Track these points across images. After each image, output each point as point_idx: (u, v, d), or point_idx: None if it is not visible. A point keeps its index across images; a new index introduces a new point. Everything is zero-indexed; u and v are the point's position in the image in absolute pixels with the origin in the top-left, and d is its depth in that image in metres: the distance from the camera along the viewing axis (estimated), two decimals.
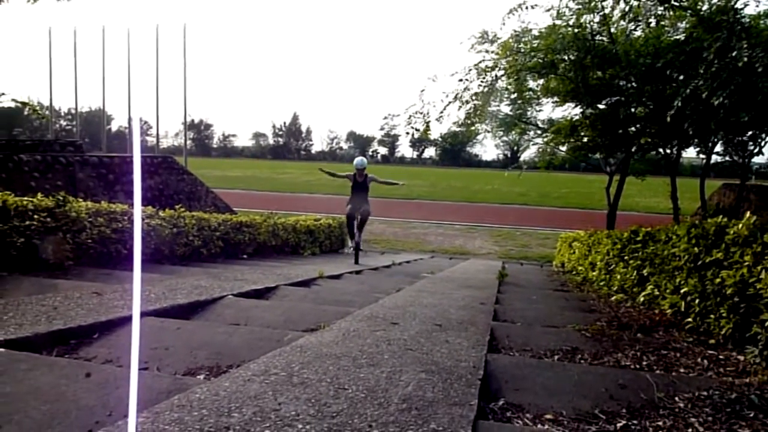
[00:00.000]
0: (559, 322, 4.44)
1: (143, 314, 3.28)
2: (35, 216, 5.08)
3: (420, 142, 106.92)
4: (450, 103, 8.57)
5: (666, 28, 9.00)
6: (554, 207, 34.22)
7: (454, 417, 1.84)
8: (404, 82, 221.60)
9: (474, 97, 8.98)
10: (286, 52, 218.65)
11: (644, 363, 3.13)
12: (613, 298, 5.98)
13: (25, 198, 5.24)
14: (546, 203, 35.99)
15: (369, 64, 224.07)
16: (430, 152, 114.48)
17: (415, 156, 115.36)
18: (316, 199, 31.84)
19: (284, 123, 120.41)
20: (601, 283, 7.30)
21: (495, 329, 3.73)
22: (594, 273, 8.10)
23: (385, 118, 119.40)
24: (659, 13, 8.45)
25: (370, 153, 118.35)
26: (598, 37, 8.07)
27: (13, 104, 9.04)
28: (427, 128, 8.71)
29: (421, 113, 8.31)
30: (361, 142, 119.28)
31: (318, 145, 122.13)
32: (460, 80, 8.43)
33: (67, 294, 3.74)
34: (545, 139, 11.95)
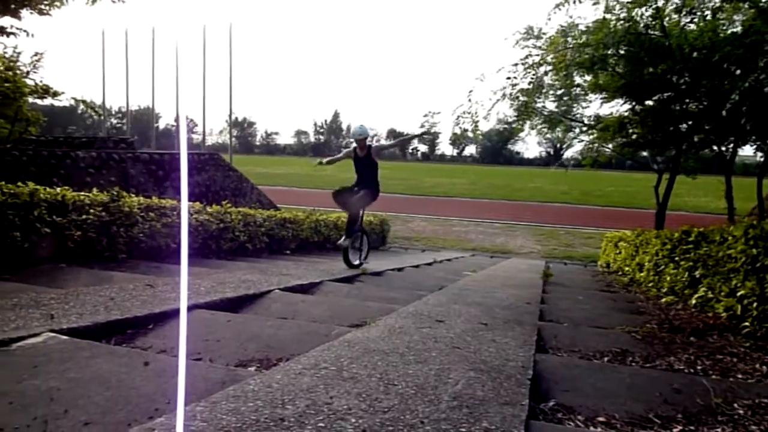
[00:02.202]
0: (607, 323, 4.35)
1: (194, 307, 3.37)
2: (91, 210, 5.27)
3: (461, 140, 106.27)
4: (498, 101, 8.46)
5: (721, 21, 8.67)
6: (598, 206, 33.47)
7: (505, 416, 1.83)
8: (444, 78, 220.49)
9: (520, 94, 8.85)
10: (328, 51, 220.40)
11: (699, 367, 3.04)
12: (662, 300, 5.82)
13: (82, 193, 5.44)
14: (590, 202, 35.23)
15: (408, 61, 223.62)
16: (470, 150, 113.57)
17: (455, 154, 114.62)
18: None
19: (325, 121, 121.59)
20: (650, 285, 7.11)
21: (542, 329, 3.68)
22: (642, 274, 7.89)
23: (425, 115, 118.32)
24: (715, 5, 8.16)
25: (410, 150, 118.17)
26: (650, 32, 7.83)
27: (70, 103, 9.41)
28: (476, 128, 8.61)
29: (469, 113, 8.22)
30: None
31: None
32: (508, 77, 8.32)
33: (122, 286, 3.87)
34: (592, 136, 11.68)
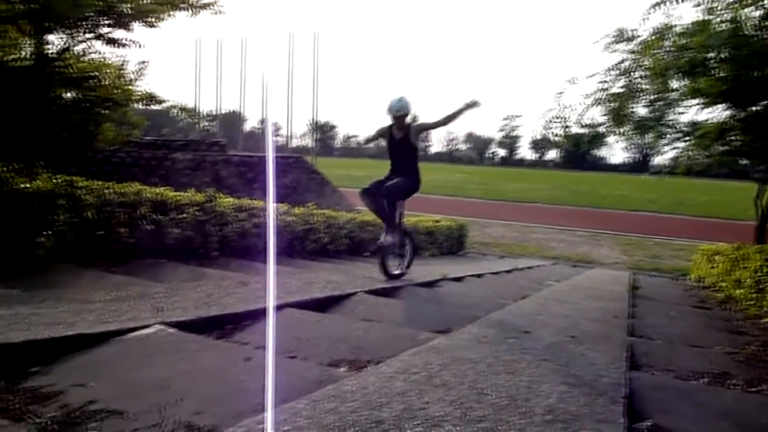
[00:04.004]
0: (704, 342, 4.13)
1: (285, 305, 3.51)
2: (189, 209, 5.59)
3: (541, 143, 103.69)
4: (590, 106, 8.18)
5: None
6: (690, 216, 31.65)
7: None
8: (524, 81, 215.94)
9: (611, 99, 8.53)
10: (407, 54, 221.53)
11: None
12: (764, 320, 5.44)
13: (180, 193, 5.79)
14: (680, 211, 33.37)
15: (488, 63, 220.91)
16: (551, 154, 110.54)
17: (535, 158, 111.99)
18: (431, 200, 31.96)
19: None
20: (749, 303, 6.66)
21: (632, 345, 3.55)
22: (740, 291, 7.40)
23: (505, 119, 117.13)
24: None
25: (489, 155, 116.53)
26: (760, 33, 7.32)
27: (165, 106, 10.04)
28: (567, 133, 8.37)
29: (560, 118, 7.99)
30: (479, 143, 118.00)
31: (436, 146, 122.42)
32: (601, 82, 8.04)
33: (218, 282, 4.09)
34: (687, 143, 11.05)
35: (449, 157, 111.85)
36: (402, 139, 5.51)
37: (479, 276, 7.75)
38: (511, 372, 2.39)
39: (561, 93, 7.93)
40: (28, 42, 6.79)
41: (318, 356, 2.63)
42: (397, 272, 5.63)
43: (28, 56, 6.82)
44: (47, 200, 4.36)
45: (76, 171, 6.20)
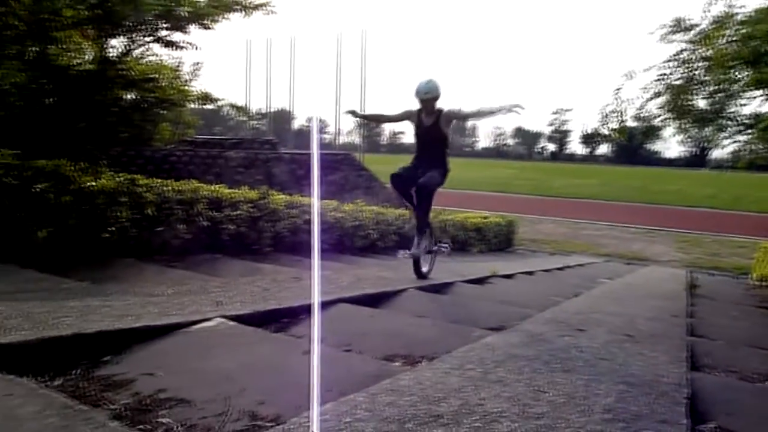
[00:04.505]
0: None
1: (338, 300, 3.56)
2: (243, 206, 5.74)
3: (593, 138, 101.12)
4: (649, 99, 7.91)
5: None
6: (751, 212, 30.24)
7: None
8: (575, 74, 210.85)
9: (670, 92, 8.24)
10: (452, 48, 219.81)
11: None
12: None
13: (235, 190, 5.95)
14: (740, 207, 31.93)
15: (537, 56, 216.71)
16: (603, 149, 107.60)
17: (586, 153, 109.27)
18: (479, 196, 31.67)
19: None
20: None
21: (692, 345, 3.45)
22: None
23: (555, 113, 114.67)
24: None
25: (538, 149, 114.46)
26: None
27: (217, 105, 10.31)
28: (623, 128, 8.12)
29: (617, 112, 7.76)
30: (528, 138, 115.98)
31: (483, 141, 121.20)
32: (660, 74, 7.77)
33: (272, 277, 4.19)
34: (749, 136, 10.57)
35: (497, 152, 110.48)
36: (432, 126, 5.03)
37: (530, 273, 7.65)
38: (568, 370, 2.37)
39: (619, 89, 7.69)
40: (91, 46, 7.11)
41: (373, 350, 2.67)
42: (426, 270, 5.32)
43: (91, 60, 7.15)
44: (111, 198, 4.56)
45: (136, 169, 6.47)
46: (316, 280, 3.71)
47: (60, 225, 4.12)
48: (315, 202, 6.23)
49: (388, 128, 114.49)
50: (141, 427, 1.66)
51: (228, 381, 2.03)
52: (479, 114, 5.18)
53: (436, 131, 5.04)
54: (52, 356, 2.10)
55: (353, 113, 5.57)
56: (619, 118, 7.78)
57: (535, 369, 2.32)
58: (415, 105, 5.06)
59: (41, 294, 2.90)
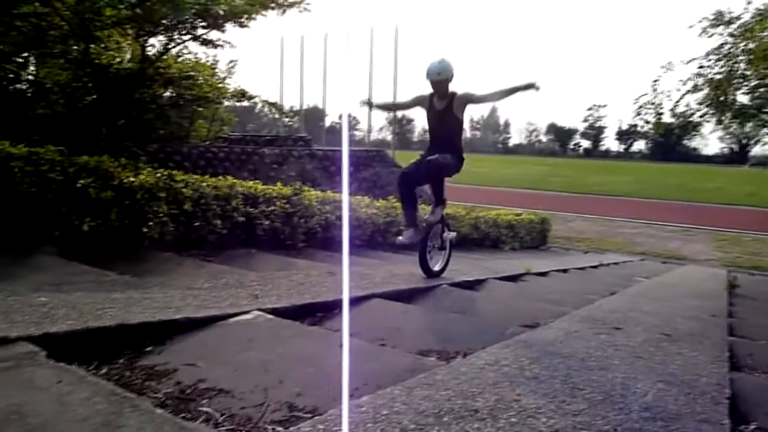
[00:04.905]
0: None
1: (372, 296, 3.59)
2: (277, 202, 5.81)
3: (628, 134, 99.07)
4: (687, 92, 7.71)
5: None
6: None
7: None
8: (610, 70, 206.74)
9: (709, 86, 8.03)
10: (485, 43, 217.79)
11: None
12: None
13: (269, 186, 6.03)
14: None
15: (570, 51, 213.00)
16: (639, 145, 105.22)
17: (621, 149, 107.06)
18: (511, 194, 31.37)
19: (482, 116, 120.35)
20: None
21: (733, 345, 3.37)
22: None
23: (589, 108, 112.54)
24: None
25: (571, 146, 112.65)
26: None
27: (251, 103, 10.46)
28: (659, 121, 7.93)
29: (653, 104, 7.57)
30: (561, 134, 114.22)
31: (516, 137, 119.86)
32: (700, 67, 7.56)
33: (307, 272, 4.24)
34: None
35: (529, 149, 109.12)
36: (444, 110, 4.62)
37: (564, 271, 7.56)
38: (604, 368, 2.34)
39: (657, 80, 7.50)
40: (131, 45, 7.28)
41: (407, 345, 2.68)
42: (437, 268, 4.85)
43: (130, 58, 7.33)
44: (150, 193, 4.67)
45: (173, 166, 6.60)
46: (345, 274, 3.73)
47: (102, 219, 4.24)
48: (345, 198, 6.25)
49: (419, 125, 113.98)
50: (184, 415, 1.71)
51: (266, 372, 2.08)
52: (495, 96, 4.68)
53: (450, 116, 4.63)
54: (98, 345, 2.17)
55: (367, 103, 5.21)
56: (656, 110, 7.59)
57: (570, 366, 2.30)
58: (428, 89, 4.71)
59: (86, 285, 3.00)
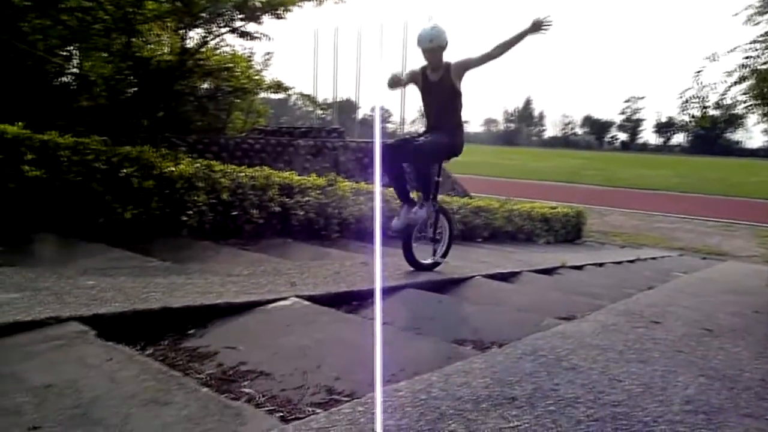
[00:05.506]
0: None
1: (406, 286, 3.61)
2: (312, 193, 5.88)
3: (668, 126, 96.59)
4: (734, 83, 7.43)
5: None
6: None
7: (748, 429, 1.70)
8: (648, 61, 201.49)
9: (755, 76, 7.75)
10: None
11: None
12: None
13: (304, 177, 6.10)
14: None
15: (606, 42, 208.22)
16: (678, 138, 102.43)
17: (660, 142, 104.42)
18: (546, 187, 30.95)
19: (516, 108, 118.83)
20: None
21: None
22: None
23: (627, 100, 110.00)
24: None
25: (608, 139, 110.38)
26: None
27: (284, 95, 10.55)
28: (705, 115, 7.67)
29: (698, 98, 7.33)
30: (597, 127, 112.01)
31: (551, 130, 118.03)
32: (746, 57, 7.29)
33: (341, 262, 4.28)
34: None
35: (564, 141, 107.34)
36: (439, 82, 4.12)
37: (600, 265, 7.45)
38: (644, 361, 2.32)
39: (700, 71, 7.24)
40: (170, 37, 7.43)
41: (442, 334, 2.69)
42: (428, 262, 4.37)
43: (170, 51, 7.48)
44: (189, 183, 4.78)
45: (211, 156, 6.74)
46: (378, 263, 3.76)
47: (143, 207, 4.36)
48: (377, 189, 6.27)
49: None
50: (227, 395, 1.76)
51: (304, 357, 2.12)
52: (497, 50, 4.01)
53: (447, 88, 4.13)
54: (143, 327, 2.25)
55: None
56: (701, 104, 7.34)
57: (609, 358, 2.28)
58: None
59: (130, 270, 3.10)
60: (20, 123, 3.94)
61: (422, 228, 4.37)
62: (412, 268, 4.18)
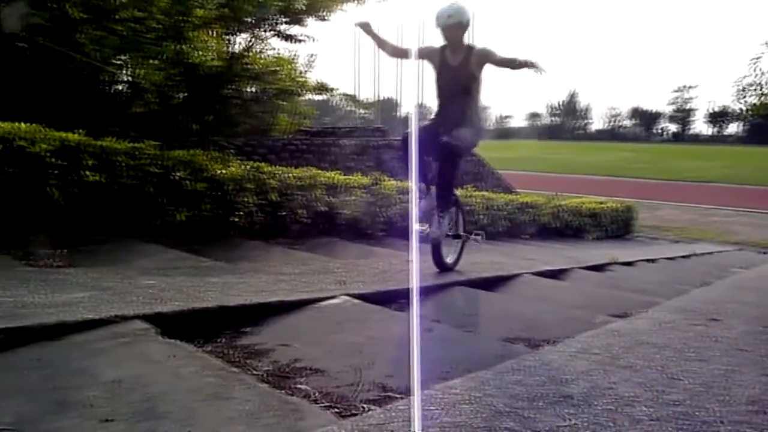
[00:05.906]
0: None
1: (454, 284, 3.61)
2: (357, 192, 5.93)
3: (722, 116, 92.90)
4: None
5: None
6: None
7: None
8: (699, 49, 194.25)
9: None
10: (564, 27, 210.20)
11: None
12: None
13: (348, 177, 6.16)
14: None
15: (656, 30, 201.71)
16: (732, 128, 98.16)
17: (713, 133, 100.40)
18: (593, 181, 30.23)
19: (560, 102, 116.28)
20: None
21: None
22: None
23: (677, 90, 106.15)
24: None
25: (657, 130, 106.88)
26: None
27: (326, 96, 10.67)
28: (763, 102, 7.38)
29: (755, 84, 7.04)
30: (646, 118, 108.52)
31: (597, 123, 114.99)
32: None
33: (387, 260, 4.31)
34: None
35: (611, 134, 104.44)
36: (459, 68, 3.76)
37: (652, 261, 7.26)
38: (703, 359, 2.25)
39: (758, 57, 6.96)
40: (217, 43, 7.63)
41: (493, 332, 2.69)
42: (450, 261, 4.09)
43: (217, 56, 7.68)
44: (239, 184, 4.90)
45: (258, 158, 6.87)
46: (415, 261, 3.72)
47: (195, 209, 4.50)
48: (413, 187, 6.30)
49: (494, 113, 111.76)
50: (284, 391, 1.80)
51: (357, 354, 2.15)
52: (507, 63, 3.76)
53: (465, 74, 3.77)
54: (201, 325, 2.32)
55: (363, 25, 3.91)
56: (759, 91, 7.05)
57: (666, 357, 2.23)
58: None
59: (186, 270, 3.20)
60: (81, 131, 4.11)
61: (442, 227, 3.95)
62: (458, 267, 4.17)
